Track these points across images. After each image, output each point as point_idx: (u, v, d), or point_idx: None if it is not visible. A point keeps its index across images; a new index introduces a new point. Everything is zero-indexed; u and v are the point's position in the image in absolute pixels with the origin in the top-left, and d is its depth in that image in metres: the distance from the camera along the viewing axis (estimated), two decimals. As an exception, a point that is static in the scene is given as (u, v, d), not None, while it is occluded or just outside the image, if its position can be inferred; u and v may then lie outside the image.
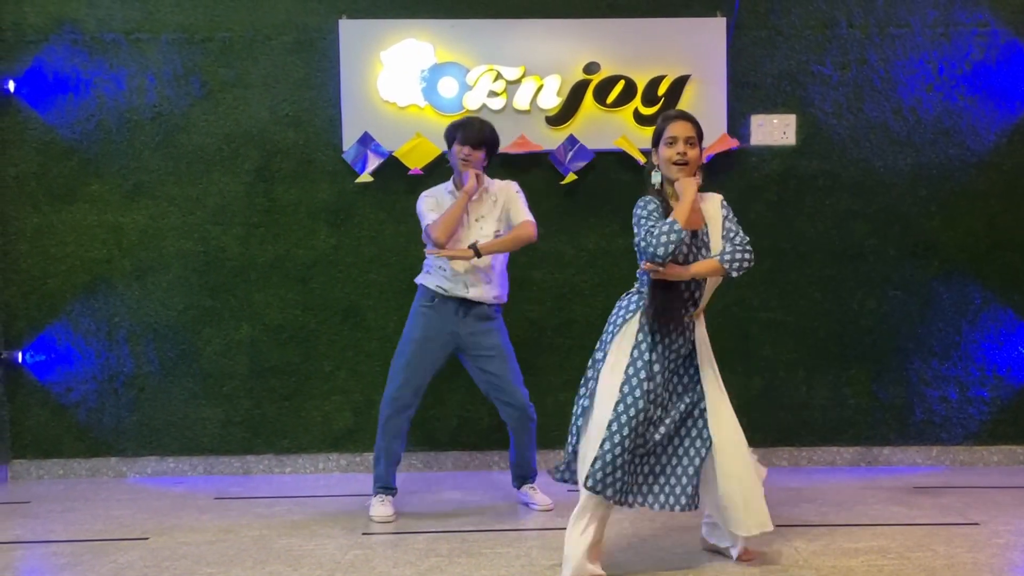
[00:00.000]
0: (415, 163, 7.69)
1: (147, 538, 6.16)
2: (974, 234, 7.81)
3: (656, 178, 5.37)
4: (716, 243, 5.24)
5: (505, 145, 7.37)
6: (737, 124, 7.77)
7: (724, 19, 7.73)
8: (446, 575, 5.35)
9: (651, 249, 5.04)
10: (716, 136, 7.62)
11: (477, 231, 6.50)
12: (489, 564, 5.48)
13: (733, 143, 7.70)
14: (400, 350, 6.68)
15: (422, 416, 7.76)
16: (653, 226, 5.09)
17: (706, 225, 5.26)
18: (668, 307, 5.18)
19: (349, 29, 7.73)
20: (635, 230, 5.21)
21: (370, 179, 7.74)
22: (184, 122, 7.82)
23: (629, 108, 7.73)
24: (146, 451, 7.91)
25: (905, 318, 7.84)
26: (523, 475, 6.85)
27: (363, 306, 7.88)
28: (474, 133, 6.51)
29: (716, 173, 7.62)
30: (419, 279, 6.70)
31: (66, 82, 7.79)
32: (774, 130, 7.78)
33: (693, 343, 5.31)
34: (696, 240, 5.21)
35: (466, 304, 6.56)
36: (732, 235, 5.24)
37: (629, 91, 7.72)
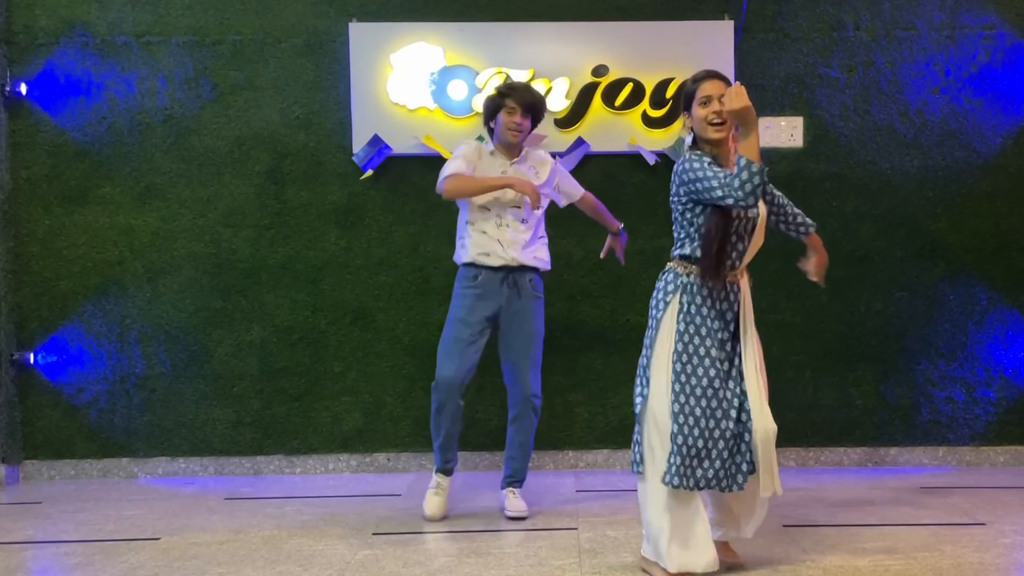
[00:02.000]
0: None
1: (158, 538, 6.15)
2: (980, 235, 7.81)
3: (689, 141, 5.14)
4: None
5: None
6: (744, 126, 7.72)
7: (732, 22, 7.73)
8: (456, 575, 5.34)
9: (736, 193, 4.73)
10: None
11: (515, 195, 6.37)
12: (498, 564, 5.46)
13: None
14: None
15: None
16: (727, 175, 4.79)
17: None
18: (720, 261, 4.98)
19: (359, 32, 7.75)
20: (697, 177, 4.88)
21: (370, 174, 7.76)
22: (195, 124, 7.84)
23: (638, 110, 7.74)
24: (157, 452, 7.92)
25: (912, 319, 7.83)
26: (511, 473, 6.69)
27: (373, 307, 7.88)
28: (526, 98, 6.39)
29: (724, 175, 7.58)
30: (457, 256, 6.61)
31: (77, 85, 7.81)
32: (781, 132, 7.79)
33: (738, 303, 5.14)
34: None
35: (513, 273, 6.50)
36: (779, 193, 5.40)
37: (637, 94, 7.73)
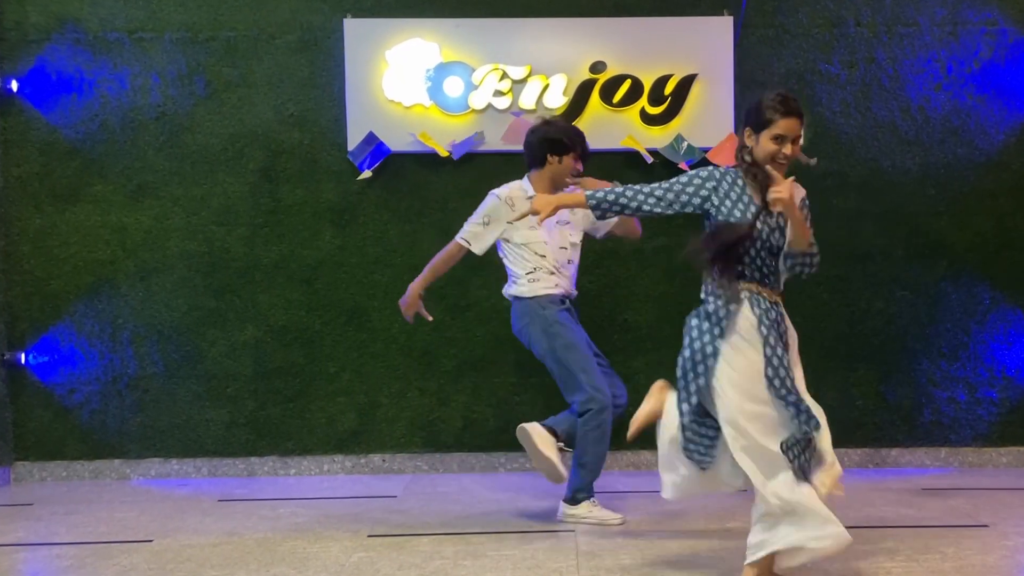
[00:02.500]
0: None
1: (151, 541, 6.11)
2: (983, 234, 7.79)
3: (747, 158, 4.91)
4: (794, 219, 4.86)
5: (510, 144, 7.39)
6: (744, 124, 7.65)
7: (731, 18, 7.71)
8: (451, 578, 5.32)
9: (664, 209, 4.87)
10: (723, 136, 7.62)
11: (564, 237, 6.44)
12: (495, 567, 5.40)
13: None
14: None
15: (427, 418, 7.82)
16: (735, 198, 4.84)
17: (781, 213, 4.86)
18: (732, 254, 4.80)
19: (354, 28, 7.72)
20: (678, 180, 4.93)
21: (368, 174, 7.71)
22: (188, 122, 7.81)
23: (636, 107, 7.72)
24: (150, 453, 7.88)
25: (913, 319, 7.81)
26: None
27: (368, 307, 7.86)
28: (586, 147, 6.47)
29: (723, 173, 7.55)
30: (522, 292, 6.47)
31: (69, 82, 7.78)
32: (782, 130, 7.68)
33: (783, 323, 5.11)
34: (772, 220, 4.85)
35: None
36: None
37: (636, 90, 7.71)
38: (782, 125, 4.82)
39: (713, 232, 4.86)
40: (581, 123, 7.62)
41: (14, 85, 7.73)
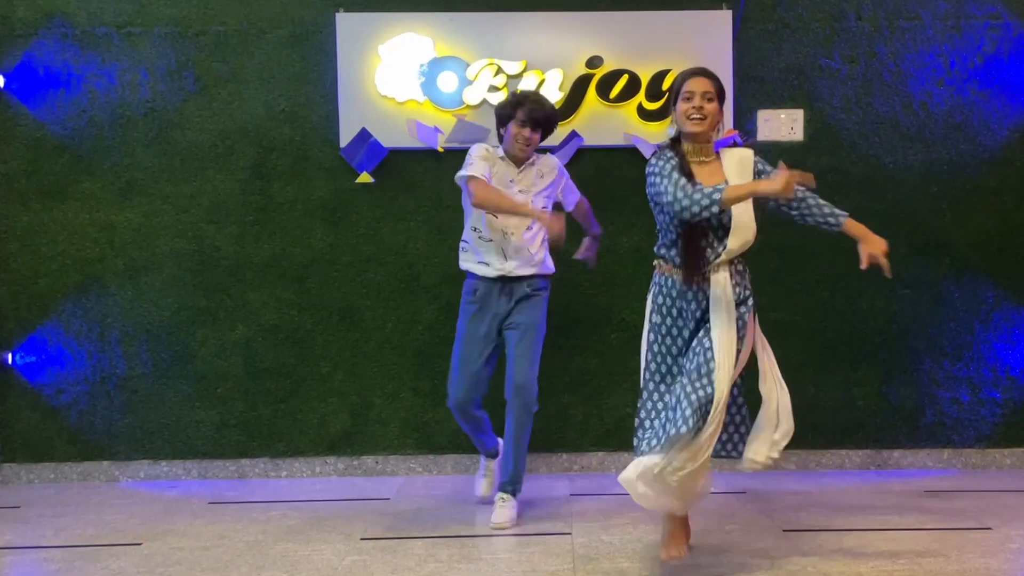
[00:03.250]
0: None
1: (140, 544, 6.09)
2: (986, 231, 7.73)
3: (672, 132, 5.37)
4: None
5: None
6: (743, 119, 7.69)
7: (730, 12, 7.64)
8: (445, 582, 5.29)
9: (681, 206, 4.98)
10: (722, 131, 7.49)
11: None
12: (490, 570, 5.41)
13: (732, 135, 7.55)
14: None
15: (421, 419, 7.79)
16: (686, 184, 5.04)
17: (725, 181, 5.17)
18: (696, 260, 5.20)
19: (346, 22, 7.65)
20: (656, 181, 5.16)
21: (370, 180, 7.65)
22: (178, 118, 7.74)
23: (633, 103, 7.64)
24: (139, 454, 7.83)
25: (916, 318, 7.76)
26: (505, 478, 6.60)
27: (360, 306, 7.79)
28: (538, 112, 6.33)
29: (722, 169, 7.51)
30: (460, 261, 6.65)
31: (56, 77, 7.71)
32: (781, 125, 7.70)
33: (708, 298, 5.25)
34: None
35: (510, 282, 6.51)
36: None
37: (633, 86, 7.62)
38: (689, 83, 5.25)
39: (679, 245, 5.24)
40: (577, 119, 7.61)
41: (0, 80, 7.66)
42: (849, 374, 7.78)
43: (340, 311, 7.80)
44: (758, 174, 5.29)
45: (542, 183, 6.49)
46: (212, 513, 6.79)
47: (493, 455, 6.81)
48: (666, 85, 7.56)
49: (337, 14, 7.64)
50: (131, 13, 7.69)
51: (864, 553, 5.56)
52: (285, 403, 7.80)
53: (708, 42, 7.61)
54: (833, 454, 7.79)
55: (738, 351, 5.24)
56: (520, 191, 6.38)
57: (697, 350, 5.18)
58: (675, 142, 5.34)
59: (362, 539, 6.07)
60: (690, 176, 5.14)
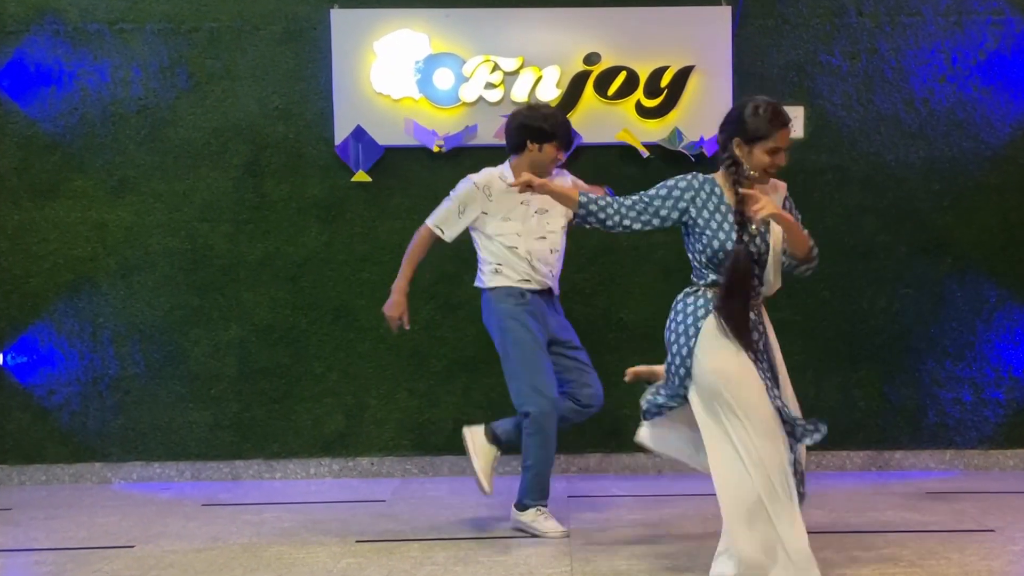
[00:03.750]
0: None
1: (133, 546, 6.06)
2: (988, 230, 7.71)
3: (726, 161, 5.04)
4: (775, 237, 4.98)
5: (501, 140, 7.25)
6: (743, 117, 7.57)
7: (729, 7, 7.62)
8: (442, 585, 5.26)
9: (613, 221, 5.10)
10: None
11: (541, 226, 6.26)
12: (487, 573, 5.38)
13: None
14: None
15: (417, 420, 7.75)
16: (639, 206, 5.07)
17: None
18: (742, 313, 4.95)
19: (341, 19, 7.62)
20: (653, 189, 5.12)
21: (367, 179, 7.60)
22: (170, 115, 7.72)
23: (631, 100, 7.61)
24: (131, 456, 7.80)
25: (917, 317, 7.73)
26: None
27: (355, 306, 7.77)
28: (570, 137, 6.33)
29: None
30: (486, 283, 6.35)
31: (48, 74, 7.69)
32: (781, 122, 7.59)
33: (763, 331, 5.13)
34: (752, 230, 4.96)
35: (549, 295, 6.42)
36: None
37: (631, 83, 7.60)
38: (778, 138, 4.91)
39: (727, 283, 4.93)
40: (575, 116, 7.53)
41: (-8, 78, 7.65)
42: (850, 374, 7.75)
43: (335, 310, 7.77)
44: (786, 209, 5.06)
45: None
46: (205, 515, 6.76)
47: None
48: (664, 82, 7.56)
49: (332, 10, 7.60)
50: (123, 9, 7.67)
51: (866, 555, 5.52)
52: (279, 404, 7.77)
53: (707, 38, 7.59)
54: (834, 455, 7.75)
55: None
56: (536, 212, 6.24)
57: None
58: (734, 165, 5.00)
59: (357, 542, 6.04)
60: (744, 221, 4.91)
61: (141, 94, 7.69)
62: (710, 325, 4.95)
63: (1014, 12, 7.59)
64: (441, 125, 7.58)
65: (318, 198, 7.72)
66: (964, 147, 7.66)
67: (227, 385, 7.77)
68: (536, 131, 6.19)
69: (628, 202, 5.06)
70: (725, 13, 7.60)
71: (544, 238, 6.26)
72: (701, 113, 7.58)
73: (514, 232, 6.21)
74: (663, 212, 5.01)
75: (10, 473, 7.78)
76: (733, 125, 4.99)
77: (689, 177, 5.07)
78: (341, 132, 7.62)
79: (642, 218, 5.04)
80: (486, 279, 6.31)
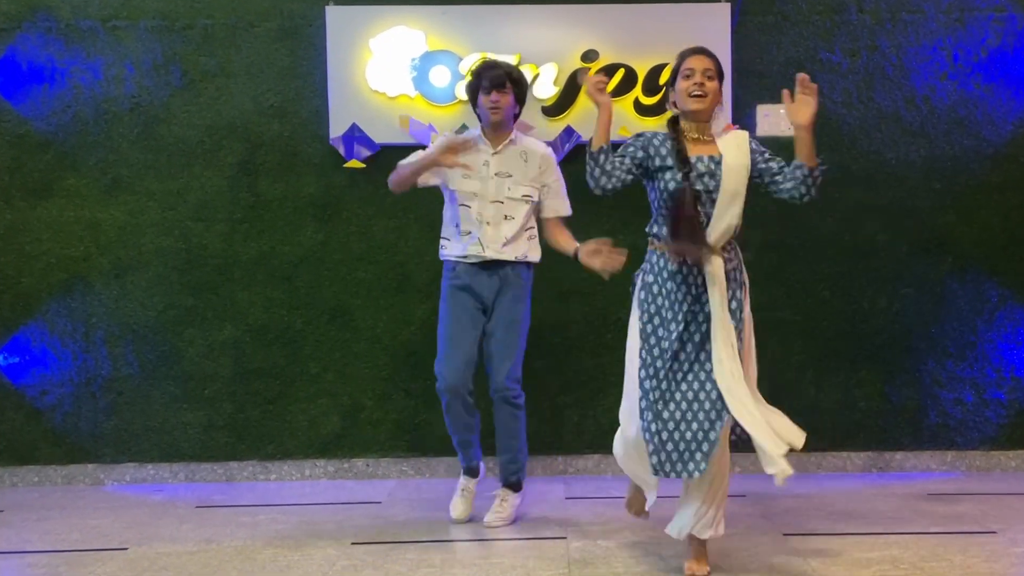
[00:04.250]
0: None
1: (126, 548, 6.03)
2: (990, 229, 7.68)
3: (672, 109, 5.40)
4: (734, 165, 5.20)
5: None
6: (742, 114, 7.62)
7: (728, 4, 7.58)
8: (438, 587, 5.25)
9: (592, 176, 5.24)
10: (720, 126, 7.40)
11: (501, 189, 6.28)
12: (483, 574, 5.37)
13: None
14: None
15: (413, 421, 7.75)
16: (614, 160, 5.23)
17: (720, 155, 5.22)
18: (692, 236, 5.12)
19: (336, 16, 7.59)
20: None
21: (361, 165, 7.56)
22: (164, 113, 7.68)
23: (629, 98, 7.57)
24: (125, 457, 7.77)
25: (918, 317, 7.70)
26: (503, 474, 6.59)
27: (351, 305, 7.74)
28: (497, 72, 6.25)
29: (720, 165, 7.45)
30: (440, 256, 6.54)
31: (40, 72, 7.65)
32: (781, 120, 7.57)
33: (705, 283, 5.21)
34: (710, 167, 5.19)
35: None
36: (783, 168, 5.26)
37: (629, 80, 7.56)
38: (689, 61, 5.23)
39: (672, 218, 5.17)
40: (572, 114, 7.56)
41: (-17, 75, 7.62)
42: (850, 375, 7.72)
43: (330, 310, 7.74)
44: (754, 153, 5.28)
45: (530, 171, 6.34)
46: (199, 517, 6.74)
47: (475, 472, 6.65)
48: (663, 79, 7.48)
49: (327, 7, 7.57)
50: (116, 6, 7.63)
51: (866, 557, 5.50)
52: (274, 404, 7.74)
53: (706, 35, 7.41)
54: (834, 456, 7.73)
55: (740, 351, 5.24)
56: (496, 174, 6.29)
57: (700, 376, 5.16)
58: (674, 123, 5.31)
59: (353, 544, 6.01)
60: (684, 158, 5.16)
61: (134, 92, 7.64)
62: (643, 280, 5.36)
63: (1016, 9, 7.56)
64: (437, 122, 7.54)
65: (313, 197, 7.69)
66: (965, 145, 7.63)
67: (221, 386, 7.73)
68: (468, 88, 6.46)
69: (610, 165, 5.19)
70: (724, 10, 7.56)
71: (501, 203, 6.26)
72: (700, 111, 7.55)
73: (471, 191, 6.29)
74: (626, 163, 5.20)
75: (2, 474, 7.74)
76: (670, 76, 5.39)
77: (643, 133, 5.35)
78: (337, 130, 7.59)
79: (615, 175, 5.20)
80: (440, 248, 6.53)
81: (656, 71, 7.51)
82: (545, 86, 7.52)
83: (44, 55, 7.62)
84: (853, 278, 7.67)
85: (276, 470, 7.75)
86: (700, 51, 5.27)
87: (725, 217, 5.17)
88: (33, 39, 7.61)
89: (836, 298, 7.69)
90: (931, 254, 7.66)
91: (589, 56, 7.53)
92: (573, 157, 7.49)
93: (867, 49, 7.62)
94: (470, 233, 6.28)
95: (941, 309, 7.68)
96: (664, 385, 5.13)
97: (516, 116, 6.44)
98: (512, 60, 7.41)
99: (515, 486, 6.49)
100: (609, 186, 5.18)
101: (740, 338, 5.24)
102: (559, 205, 6.46)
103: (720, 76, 5.29)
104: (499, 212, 6.27)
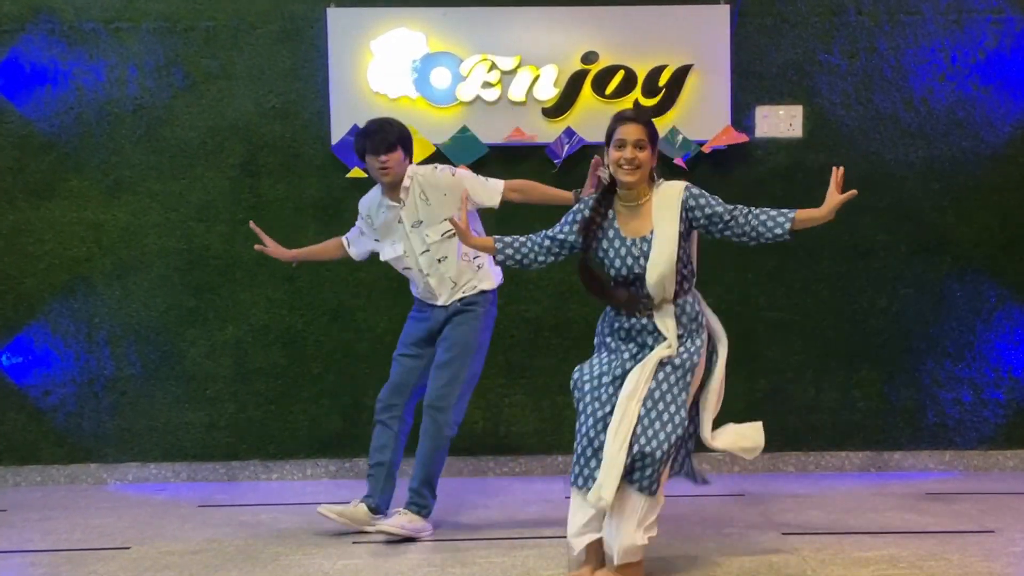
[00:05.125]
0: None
1: (128, 548, 6.04)
2: (988, 229, 7.69)
3: (605, 177, 5.35)
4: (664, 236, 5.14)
5: (500, 137, 7.44)
6: (742, 116, 7.63)
7: (728, 6, 7.60)
8: (438, 586, 5.23)
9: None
10: (720, 128, 7.54)
11: (420, 240, 6.15)
12: (484, 574, 5.35)
13: (738, 136, 7.53)
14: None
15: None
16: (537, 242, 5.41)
17: (651, 233, 5.16)
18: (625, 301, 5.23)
19: (338, 18, 7.60)
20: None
21: (363, 175, 7.51)
22: (166, 115, 7.69)
23: (629, 99, 7.59)
24: (127, 457, 7.78)
25: (917, 317, 7.71)
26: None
27: (352, 306, 7.76)
28: (381, 138, 6.04)
29: (720, 166, 7.56)
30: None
31: (44, 73, 7.66)
32: (780, 122, 7.65)
33: (647, 342, 5.24)
34: (637, 251, 5.16)
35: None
36: (734, 212, 5.22)
37: (629, 82, 7.58)
38: (621, 130, 5.15)
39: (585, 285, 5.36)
40: (572, 115, 7.59)
41: (-14, 77, 7.63)
42: (850, 375, 7.73)
43: (331, 311, 7.75)
44: (687, 209, 5.15)
45: (431, 206, 6.16)
46: (201, 516, 6.74)
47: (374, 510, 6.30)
48: (663, 81, 7.54)
49: (328, 9, 7.58)
50: (119, 8, 7.64)
51: (865, 556, 5.50)
52: (276, 404, 7.75)
53: (706, 37, 7.57)
54: (833, 456, 7.73)
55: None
56: (412, 227, 6.18)
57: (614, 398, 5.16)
58: (609, 188, 5.29)
59: (354, 543, 6.00)
60: (592, 226, 5.24)
61: (137, 93, 7.66)
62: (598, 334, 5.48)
63: (1014, 11, 7.56)
64: (438, 124, 7.55)
65: (315, 198, 7.70)
66: (964, 146, 7.64)
67: (223, 386, 7.74)
68: (357, 154, 6.27)
69: (538, 238, 5.38)
70: (724, 12, 7.58)
71: (428, 250, 6.15)
72: (699, 112, 7.58)
73: (402, 253, 6.24)
74: (560, 237, 5.33)
75: (5, 474, 7.75)
76: (605, 138, 5.30)
77: (584, 203, 5.36)
78: (338, 131, 7.60)
79: (551, 251, 5.37)
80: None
81: (656, 73, 7.53)
82: (545, 88, 7.53)
83: (47, 57, 7.62)
84: (852, 278, 7.67)
85: (278, 469, 7.76)
86: (631, 119, 5.19)
87: (661, 286, 5.12)
88: (36, 41, 7.62)
89: (835, 298, 7.70)
90: (930, 254, 7.67)
91: (589, 58, 7.55)
92: (573, 158, 7.57)
93: (866, 51, 7.62)
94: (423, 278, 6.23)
95: (940, 309, 7.68)
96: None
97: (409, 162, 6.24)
98: (512, 61, 7.50)
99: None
100: (537, 265, 5.46)
101: (688, 379, 5.15)
102: (488, 193, 6.26)
103: (654, 143, 5.21)
104: (430, 258, 6.17)
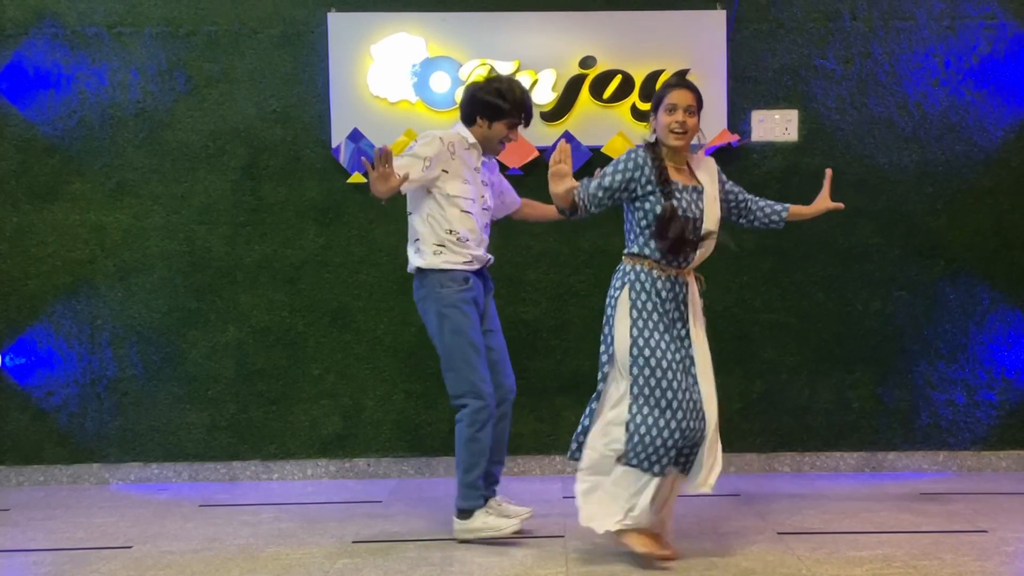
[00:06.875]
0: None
1: (130, 547, 6.06)
2: (982, 233, 7.70)
3: (651, 138, 5.49)
4: (711, 196, 5.48)
5: None
6: (737, 120, 7.65)
7: (724, 11, 7.61)
8: (437, 586, 5.25)
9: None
10: (716, 132, 7.52)
11: (485, 196, 6.07)
12: (483, 573, 5.38)
13: (733, 139, 7.57)
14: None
15: (413, 422, 7.73)
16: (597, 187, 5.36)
17: (702, 185, 5.45)
18: (680, 237, 5.27)
19: (338, 22, 7.61)
20: (605, 172, 5.40)
21: (363, 180, 7.55)
22: (168, 118, 7.70)
23: (627, 103, 7.61)
24: (129, 457, 7.78)
25: (911, 319, 7.72)
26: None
27: (353, 307, 7.75)
28: (525, 114, 6.05)
29: (716, 170, 7.51)
30: (425, 264, 5.96)
31: (47, 77, 7.67)
32: (775, 126, 7.67)
33: (687, 300, 5.44)
34: (693, 197, 5.40)
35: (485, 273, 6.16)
36: (746, 194, 5.73)
37: (626, 86, 7.60)
38: (672, 95, 5.35)
39: (659, 235, 5.31)
40: (571, 119, 7.59)
41: (-10, 81, 7.64)
42: (844, 376, 7.74)
43: (332, 312, 7.75)
44: (721, 182, 5.56)
45: (495, 178, 6.26)
46: (203, 516, 6.76)
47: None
48: (660, 85, 7.49)
49: (329, 14, 7.59)
50: (122, 13, 7.65)
51: (859, 556, 5.52)
52: (276, 405, 7.76)
53: (702, 42, 7.59)
54: (827, 456, 7.74)
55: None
56: (484, 182, 6.07)
57: (682, 377, 5.31)
58: (652, 147, 5.43)
59: (354, 542, 6.03)
60: (667, 180, 5.31)
61: (139, 97, 7.67)
62: (624, 296, 5.41)
63: (1007, 16, 7.58)
64: (438, 128, 7.44)
65: (315, 201, 7.71)
66: (957, 150, 7.65)
67: (224, 387, 7.76)
68: (486, 107, 5.97)
69: (592, 187, 5.34)
70: (720, 17, 7.60)
71: (487, 209, 6.10)
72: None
73: (470, 197, 5.94)
74: (606, 182, 5.33)
75: (8, 474, 7.77)
76: (652, 103, 5.50)
77: (633, 154, 5.38)
78: (338, 135, 7.61)
79: (597, 199, 5.34)
80: (426, 259, 5.95)
81: (653, 77, 7.54)
82: (544, 92, 7.55)
83: (50, 61, 7.64)
84: (847, 281, 7.69)
85: (278, 470, 7.77)
86: (683, 85, 5.41)
87: (705, 247, 5.43)
88: (39, 45, 7.63)
89: (830, 300, 7.72)
90: (924, 257, 7.68)
91: (587, 62, 7.57)
92: (574, 162, 7.51)
93: (860, 56, 7.63)
94: (467, 241, 5.97)
95: (933, 311, 7.70)
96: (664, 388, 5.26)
97: None
98: (511, 66, 7.52)
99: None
100: (594, 211, 5.38)
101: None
102: (514, 196, 6.47)
103: (700, 109, 5.43)
104: (487, 217, 6.14)
